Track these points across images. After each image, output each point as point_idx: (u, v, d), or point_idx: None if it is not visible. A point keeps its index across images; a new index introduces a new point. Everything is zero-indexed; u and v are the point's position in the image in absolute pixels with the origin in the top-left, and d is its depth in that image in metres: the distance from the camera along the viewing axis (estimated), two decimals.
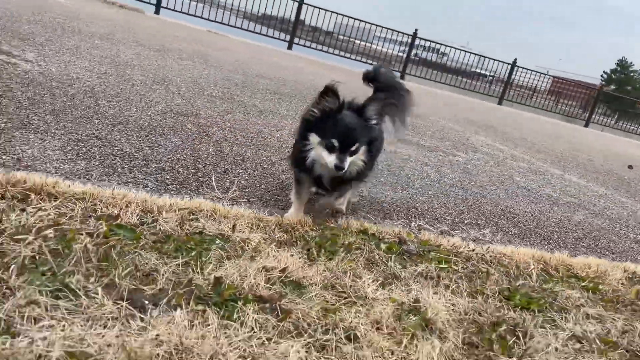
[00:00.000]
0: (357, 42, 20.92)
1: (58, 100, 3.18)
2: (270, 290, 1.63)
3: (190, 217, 2.02)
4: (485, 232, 3.03)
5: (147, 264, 1.59)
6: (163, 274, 1.55)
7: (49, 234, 1.57)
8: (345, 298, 1.72)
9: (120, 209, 1.90)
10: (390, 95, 2.56)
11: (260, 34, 17.91)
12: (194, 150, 3.04)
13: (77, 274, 1.42)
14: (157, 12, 16.15)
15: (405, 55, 19.57)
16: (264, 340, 1.37)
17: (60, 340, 1.14)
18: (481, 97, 19.75)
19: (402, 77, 19.17)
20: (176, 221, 1.94)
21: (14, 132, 2.45)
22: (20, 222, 1.61)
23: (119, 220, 1.82)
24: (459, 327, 1.74)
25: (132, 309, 1.35)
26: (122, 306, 1.34)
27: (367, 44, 20.97)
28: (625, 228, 4.12)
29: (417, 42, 20.03)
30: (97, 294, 1.36)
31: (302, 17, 18.15)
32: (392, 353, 1.46)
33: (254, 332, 1.39)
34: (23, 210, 1.69)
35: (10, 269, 1.36)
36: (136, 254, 1.62)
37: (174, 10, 16.49)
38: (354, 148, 2.12)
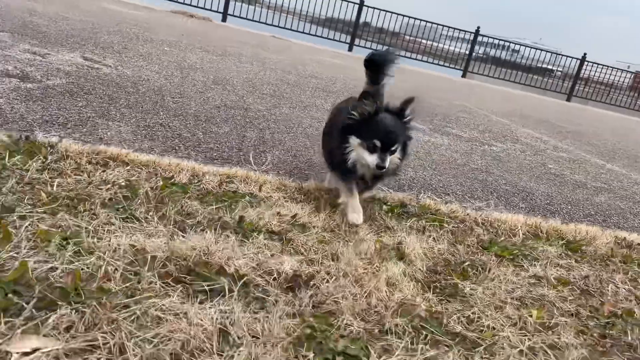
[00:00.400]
0: (423, 41, 21.13)
1: (131, 97, 3.91)
2: (280, 227, 2.20)
3: (227, 180, 2.63)
4: (489, 202, 3.44)
5: (190, 207, 2.20)
6: (201, 213, 2.16)
7: (122, 184, 2.22)
8: (339, 237, 2.26)
9: (174, 172, 2.53)
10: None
11: (321, 37, 18.60)
12: (239, 135, 3.67)
13: (140, 208, 2.05)
14: (224, 19, 17.19)
15: (467, 53, 19.58)
16: (268, 255, 1.94)
17: (127, 240, 1.76)
18: (550, 95, 19.41)
19: (464, 75, 19.24)
20: (216, 182, 2.55)
21: (97, 120, 3.17)
22: (102, 178, 2.28)
23: (173, 179, 2.45)
24: (430, 261, 2.23)
25: (177, 230, 1.96)
26: (170, 228, 1.95)
27: (434, 43, 21.16)
28: None
29: (481, 39, 20.00)
30: (154, 220, 1.99)
31: (367, 19, 18.69)
32: (364, 269, 1.98)
33: (261, 249, 1.96)
34: (104, 171, 2.36)
35: (96, 204, 2.01)
36: (183, 201, 2.24)
37: (239, 17, 17.49)
38: (393, 148, 2.30)
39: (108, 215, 1.92)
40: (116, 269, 1.59)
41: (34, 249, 1.60)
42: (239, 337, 1.41)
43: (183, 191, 2.35)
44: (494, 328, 1.79)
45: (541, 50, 21.67)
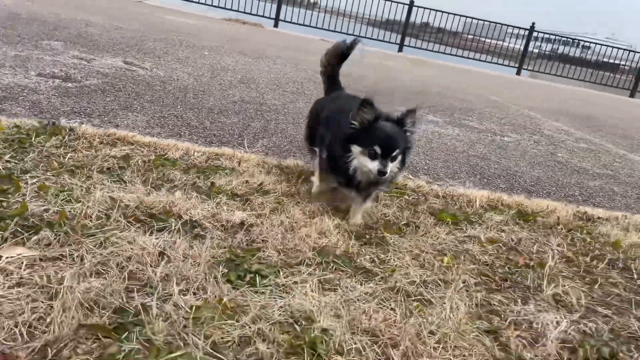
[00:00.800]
0: (483, 39, 20.97)
1: (156, 93, 4.52)
2: (244, 191, 2.67)
3: (215, 157, 3.13)
4: (464, 182, 3.75)
5: (173, 175, 2.72)
6: (180, 180, 2.67)
7: (120, 157, 2.78)
8: (295, 201, 2.70)
9: (170, 150, 3.07)
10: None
11: (371, 38, 18.96)
12: (245, 125, 4.18)
13: (129, 175, 2.59)
14: (275, 25, 17.92)
15: (521, 49, 19.31)
16: (224, 209, 2.41)
17: (108, 194, 2.29)
18: (614, 91, 18.78)
19: (518, 72, 18.97)
20: (204, 159, 3.06)
21: (119, 111, 3.77)
22: (107, 153, 2.84)
23: (166, 155, 2.99)
24: (370, 221, 2.62)
25: (153, 189, 2.48)
26: (148, 188, 2.47)
27: (493, 41, 20.98)
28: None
29: (537, 35, 19.65)
30: (137, 183, 2.52)
31: (417, 19, 18.90)
32: (304, 222, 2.41)
33: (220, 205, 2.44)
34: (111, 149, 2.93)
35: (94, 170, 2.57)
36: (169, 171, 2.76)
37: (291, 22, 18.18)
38: (394, 154, 2.35)
39: (101, 178, 2.47)
40: (93, 212, 2.11)
41: (36, 197, 2.15)
42: (172, 257, 1.89)
43: (172, 164, 2.87)
44: (400, 266, 2.17)
45: (601, 45, 20.96)
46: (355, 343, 1.58)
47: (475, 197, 3.22)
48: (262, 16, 17.57)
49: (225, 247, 2.05)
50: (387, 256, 2.24)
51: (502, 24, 19.90)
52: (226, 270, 1.87)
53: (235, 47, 8.83)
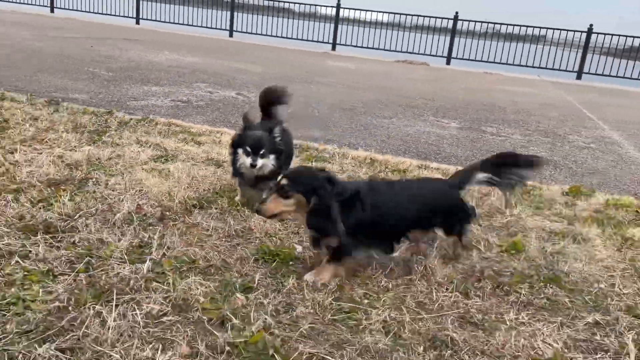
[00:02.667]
0: None
1: (239, 110, 7.25)
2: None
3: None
4: (372, 149, 5.53)
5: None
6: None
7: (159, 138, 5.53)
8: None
9: (199, 131, 5.72)
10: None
11: (540, 67, 19.13)
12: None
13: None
14: (448, 62, 19.73)
15: None
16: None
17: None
18: None
19: None
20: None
21: (195, 117, 6.58)
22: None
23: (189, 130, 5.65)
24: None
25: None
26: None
27: None
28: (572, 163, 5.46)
29: None
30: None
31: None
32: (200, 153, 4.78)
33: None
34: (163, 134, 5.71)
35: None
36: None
37: (462, 59, 19.75)
38: (262, 152, 3.12)
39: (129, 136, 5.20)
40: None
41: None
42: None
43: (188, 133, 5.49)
44: None
45: None
46: None
47: (357, 156, 5.07)
48: (431, 55, 19.51)
49: None
50: None
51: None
52: None
53: (356, 82, 11.26)
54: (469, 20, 19.77)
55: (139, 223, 2.96)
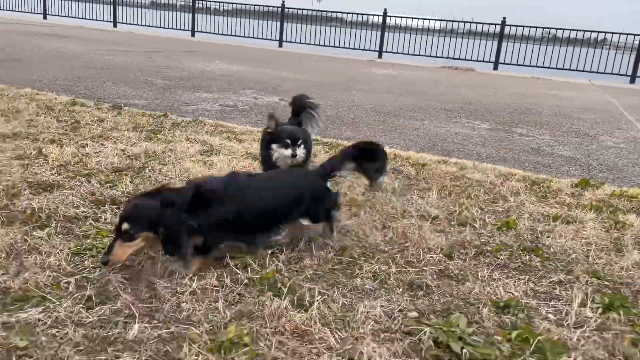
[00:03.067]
0: None
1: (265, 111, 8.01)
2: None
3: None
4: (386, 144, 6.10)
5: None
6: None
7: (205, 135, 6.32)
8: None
9: (239, 131, 6.48)
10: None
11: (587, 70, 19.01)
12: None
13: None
14: (495, 68, 19.92)
15: None
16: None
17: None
18: None
19: None
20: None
21: (241, 119, 7.37)
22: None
23: (233, 130, 6.43)
24: None
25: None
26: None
27: None
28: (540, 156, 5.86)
29: None
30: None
31: None
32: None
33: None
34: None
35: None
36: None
37: (510, 64, 19.87)
38: (299, 143, 3.56)
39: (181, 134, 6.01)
40: None
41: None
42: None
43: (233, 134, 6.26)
44: None
45: None
46: None
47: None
48: (477, 60, 19.77)
49: None
50: None
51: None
52: None
53: (393, 88, 11.83)
54: (517, 25, 19.88)
55: None
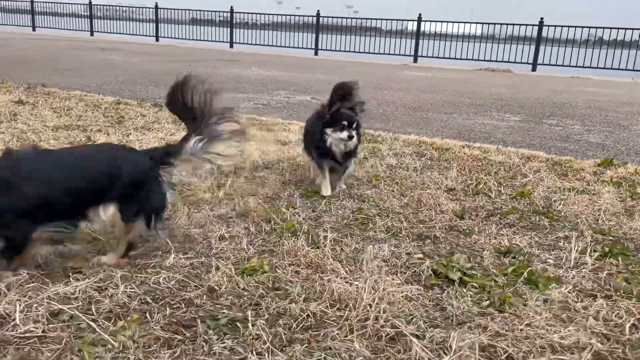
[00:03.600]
0: None
1: (305, 109, 8.39)
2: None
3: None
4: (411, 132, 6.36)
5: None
6: None
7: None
8: None
9: (268, 123, 6.89)
10: None
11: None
12: None
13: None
14: (534, 69, 19.80)
15: None
16: None
17: None
18: None
19: None
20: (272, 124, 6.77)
21: (274, 114, 7.79)
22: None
23: (260, 121, 6.84)
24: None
25: None
26: None
27: None
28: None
29: None
30: None
31: None
32: None
33: None
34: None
35: None
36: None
37: (549, 64, 19.69)
38: (354, 125, 3.53)
39: None
40: None
41: None
42: None
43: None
44: None
45: None
46: None
47: (405, 140, 5.96)
48: (515, 62, 19.69)
49: None
50: None
51: None
52: None
53: (425, 87, 12.05)
54: (555, 26, 19.76)
55: (217, 174, 4.05)
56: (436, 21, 22.15)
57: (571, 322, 2.15)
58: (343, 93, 3.73)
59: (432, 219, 3.34)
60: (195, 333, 1.91)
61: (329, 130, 3.56)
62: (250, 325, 1.94)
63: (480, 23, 22.03)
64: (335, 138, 3.55)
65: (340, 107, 3.59)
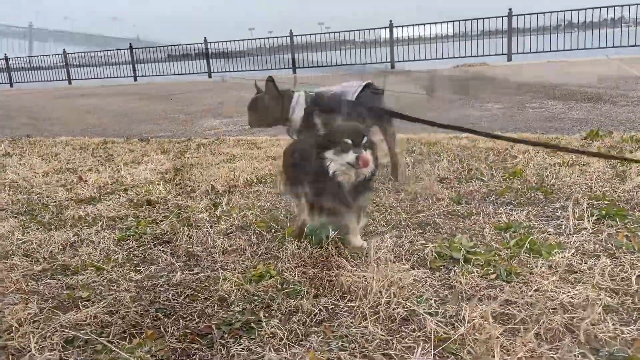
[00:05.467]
0: None
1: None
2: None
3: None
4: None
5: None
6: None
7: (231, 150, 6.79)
8: None
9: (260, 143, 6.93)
10: None
11: None
12: None
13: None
14: (509, 59, 20.00)
15: None
16: None
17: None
18: None
19: None
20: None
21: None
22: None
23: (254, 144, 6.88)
24: None
25: None
26: None
27: None
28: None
29: None
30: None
31: None
32: None
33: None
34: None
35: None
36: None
37: (523, 53, 19.91)
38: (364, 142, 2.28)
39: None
40: None
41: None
42: None
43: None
44: None
45: None
46: None
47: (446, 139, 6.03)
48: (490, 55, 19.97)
49: None
50: None
51: None
52: None
53: None
54: (525, 14, 20.08)
55: (212, 195, 4.08)
56: (407, 25, 22.42)
57: (578, 282, 2.18)
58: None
59: (429, 208, 3.38)
60: (211, 340, 1.92)
61: (329, 154, 2.36)
62: (264, 324, 1.95)
63: (452, 21, 22.30)
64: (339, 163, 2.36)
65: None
